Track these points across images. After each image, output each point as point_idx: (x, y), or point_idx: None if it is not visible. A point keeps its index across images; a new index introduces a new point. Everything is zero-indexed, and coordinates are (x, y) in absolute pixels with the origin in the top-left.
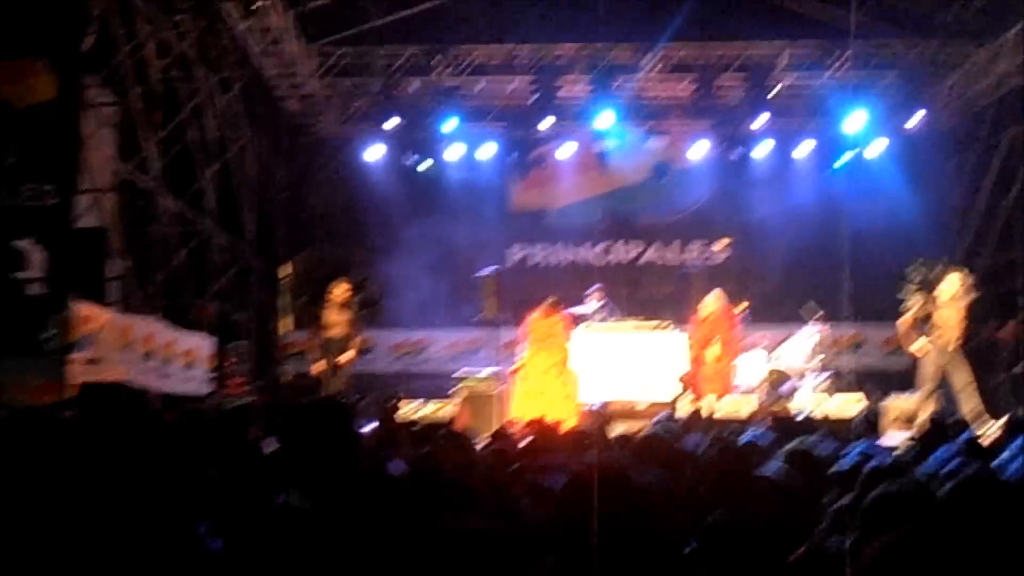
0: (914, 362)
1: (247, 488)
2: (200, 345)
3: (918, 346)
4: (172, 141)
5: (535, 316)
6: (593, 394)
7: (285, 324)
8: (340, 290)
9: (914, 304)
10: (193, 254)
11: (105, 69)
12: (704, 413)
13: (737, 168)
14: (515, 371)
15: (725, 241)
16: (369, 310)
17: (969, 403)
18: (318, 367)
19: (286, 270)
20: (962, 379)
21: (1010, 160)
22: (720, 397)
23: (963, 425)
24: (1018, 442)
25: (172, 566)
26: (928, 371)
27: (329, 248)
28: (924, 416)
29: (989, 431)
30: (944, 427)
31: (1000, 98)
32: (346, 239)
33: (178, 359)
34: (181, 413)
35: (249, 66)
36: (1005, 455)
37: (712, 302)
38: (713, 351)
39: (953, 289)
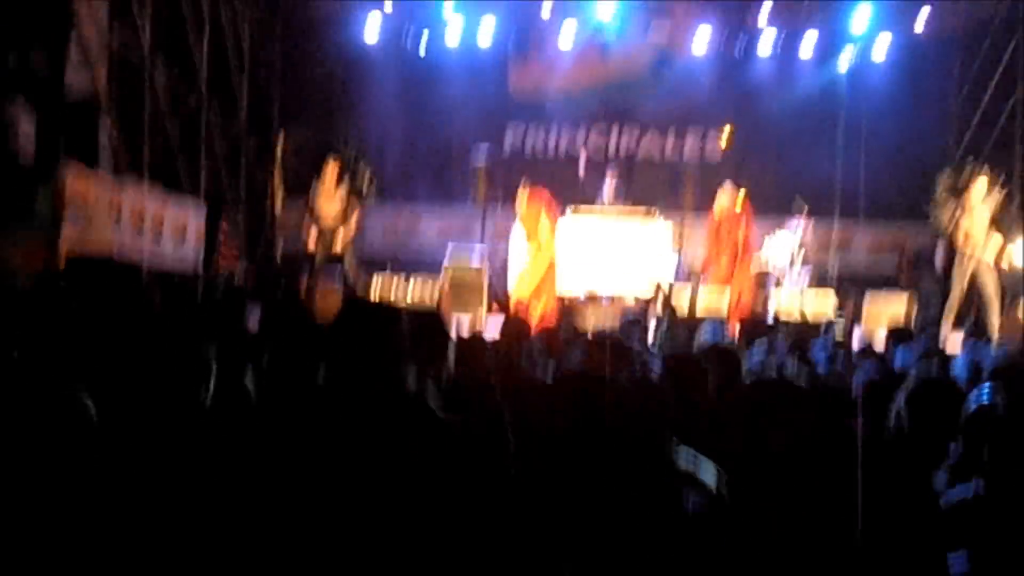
0: (898, 265)
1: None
2: (191, 215)
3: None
4: (164, 9)
5: (534, 203)
6: (576, 284)
7: (278, 199)
8: (331, 170)
9: (946, 212)
10: (185, 127)
11: None
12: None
13: (739, 63)
14: (537, 253)
15: (728, 129)
16: (361, 187)
17: (995, 312)
18: (314, 247)
19: (278, 145)
20: (990, 287)
21: (1013, 67)
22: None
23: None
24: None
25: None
26: (956, 278)
27: (321, 123)
28: (948, 323)
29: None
30: (907, 332)
31: (1011, 2)
32: (340, 115)
33: (169, 232)
34: (169, 289)
35: None
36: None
37: (724, 198)
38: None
39: (982, 192)
